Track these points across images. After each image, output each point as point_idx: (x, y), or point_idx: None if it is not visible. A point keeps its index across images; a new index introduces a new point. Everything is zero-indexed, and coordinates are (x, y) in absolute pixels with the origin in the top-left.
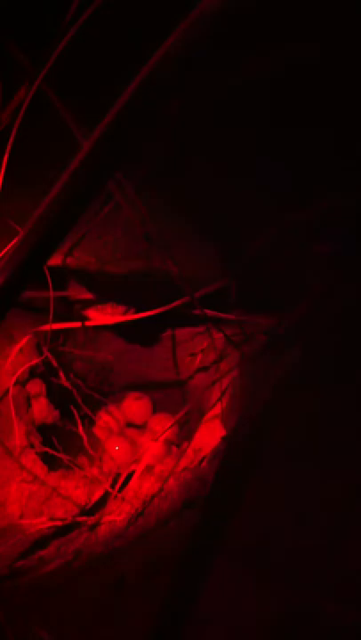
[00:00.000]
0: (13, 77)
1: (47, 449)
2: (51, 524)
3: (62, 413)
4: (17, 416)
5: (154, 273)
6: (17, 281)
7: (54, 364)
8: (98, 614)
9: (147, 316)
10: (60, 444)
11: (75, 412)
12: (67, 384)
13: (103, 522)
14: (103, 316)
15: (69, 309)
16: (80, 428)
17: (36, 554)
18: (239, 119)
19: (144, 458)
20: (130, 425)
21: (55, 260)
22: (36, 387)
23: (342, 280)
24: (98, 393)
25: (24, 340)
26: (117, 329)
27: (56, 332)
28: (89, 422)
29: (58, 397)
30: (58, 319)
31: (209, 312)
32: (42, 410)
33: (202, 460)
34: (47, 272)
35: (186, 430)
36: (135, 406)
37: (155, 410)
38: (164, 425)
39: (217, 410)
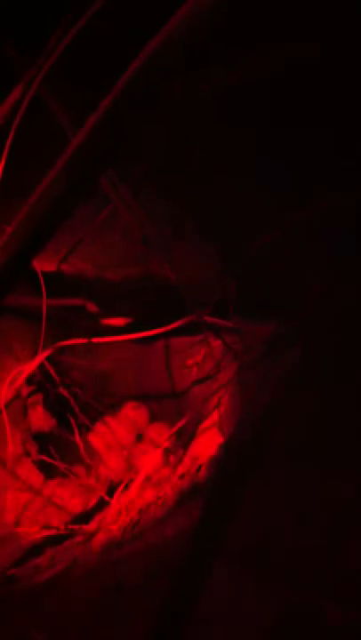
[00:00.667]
0: (5, 77)
1: (44, 457)
2: (46, 532)
3: (59, 422)
4: (13, 424)
5: (152, 278)
6: (7, 273)
7: (52, 372)
8: (98, 615)
9: (150, 335)
10: (57, 452)
11: (72, 420)
12: (64, 392)
13: (99, 530)
14: (108, 328)
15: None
16: (77, 437)
17: (32, 562)
18: (239, 119)
19: (141, 466)
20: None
21: (50, 267)
22: (33, 395)
23: (342, 280)
24: (95, 402)
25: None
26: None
27: (55, 341)
28: (86, 431)
29: (55, 406)
30: (63, 329)
31: (208, 319)
32: (39, 418)
33: (199, 468)
34: (42, 278)
35: (183, 439)
36: (132, 415)
37: (152, 419)
38: (161, 434)
39: (214, 418)
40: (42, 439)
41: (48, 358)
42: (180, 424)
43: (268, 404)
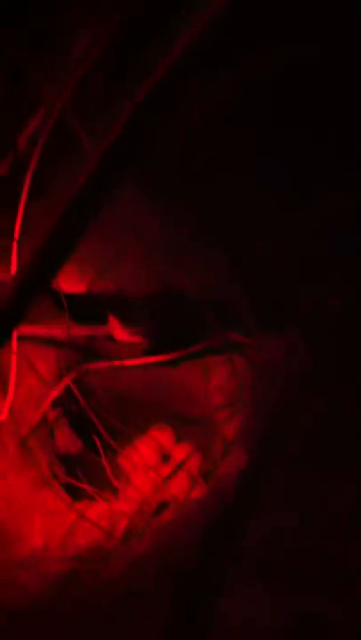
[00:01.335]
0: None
1: (71, 480)
2: (74, 555)
3: (85, 444)
4: (40, 447)
5: (174, 295)
6: (26, 291)
7: (77, 394)
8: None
9: (174, 356)
10: (84, 474)
11: (98, 442)
12: (90, 414)
13: (127, 552)
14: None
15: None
16: (103, 459)
17: (59, 584)
18: (239, 119)
19: (168, 488)
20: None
21: (73, 286)
22: (59, 417)
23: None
24: (121, 423)
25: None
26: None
27: (79, 363)
28: (112, 453)
29: (81, 428)
30: (87, 351)
31: (230, 337)
32: (65, 440)
33: (224, 488)
34: (65, 300)
35: (209, 459)
36: (158, 437)
37: (178, 440)
38: (187, 455)
39: (238, 436)
40: (68, 461)
41: (73, 380)
42: (205, 444)
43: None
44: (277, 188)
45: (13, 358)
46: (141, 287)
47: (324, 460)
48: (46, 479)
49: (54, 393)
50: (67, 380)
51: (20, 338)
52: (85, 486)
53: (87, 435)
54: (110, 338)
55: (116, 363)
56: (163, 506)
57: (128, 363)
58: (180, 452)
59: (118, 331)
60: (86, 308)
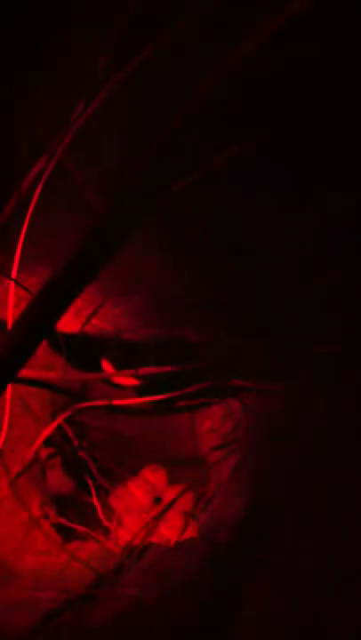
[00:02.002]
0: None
1: (62, 520)
2: (66, 595)
3: (78, 484)
4: (32, 486)
5: (172, 340)
6: (21, 350)
7: (70, 434)
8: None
9: (169, 397)
10: (75, 515)
11: (90, 482)
12: (82, 455)
13: (119, 595)
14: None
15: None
16: (95, 499)
17: (51, 626)
18: (240, 119)
19: (161, 529)
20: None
21: (71, 328)
22: (52, 457)
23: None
24: (114, 464)
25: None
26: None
27: (73, 402)
28: (104, 493)
29: (73, 468)
30: (81, 390)
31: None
32: (57, 480)
33: (219, 531)
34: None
35: (203, 501)
36: (151, 478)
37: (171, 482)
38: (180, 497)
39: (234, 479)
40: (60, 501)
41: (67, 419)
42: (199, 486)
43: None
44: (277, 188)
45: (7, 398)
46: (139, 329)
47: (325, 460)
48: (37, 519)
49: (47, 431)
50: (59, 419)
51: (14, 381)
52: (77, 527)
53: (80, 475)
54: (105, 380)
55: (110, 402)
56: (154, 547)
57: (122, 402)
58: (172, 494)
59: (113, 374)
60: (81, 349)
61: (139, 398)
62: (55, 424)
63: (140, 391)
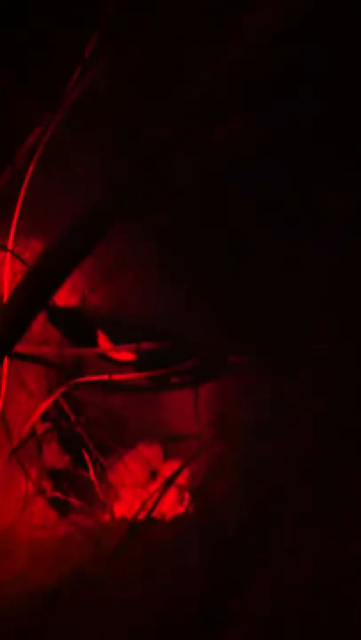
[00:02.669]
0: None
1: (58, 494)
2: (61, 570)
3: (74, 459)
4: (28, 461)
5: (169, 315)
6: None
7: (66, 409)
8: None
9: (164, 372)
10: (71, 489)
11: (86, 457)
12: (78, 429)
13: (116, 571)
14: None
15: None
16: (91, 474)
17: (46, 601)
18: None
19: (157, 505)
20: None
21: (69, 301)
22: (47, 431)
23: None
24: (109, 439)
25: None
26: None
27: (69, 377)
28: (101, 468)
29: (69, 443)
30: (77, 365)
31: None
32: (53, 455)
33: (214, 505)
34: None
35: (199, 475)
36: (146, 453)
37: (166, 456)
38: (175, 471)
39: (227, 454)
40: (56, 476)
41: (62, 394)
42: (194, 461)
43: None
44: (277, 188)
45: (4, 374)
46: (136, 304)
47: (325, 460)
48: (34, 493)
49: (44, 406)
50: (56, 394)
51: (10, 356)
52: (73, 501)
53: (76, 450)
54: (101, 356)
55: (106, 377)
56: (151, 522)
57: (118, 377)
58: (168, 469)
59: (110, 349)
60: (78, 324)
61: (135, 374)
62: (52, 399)
63: (136, 366)
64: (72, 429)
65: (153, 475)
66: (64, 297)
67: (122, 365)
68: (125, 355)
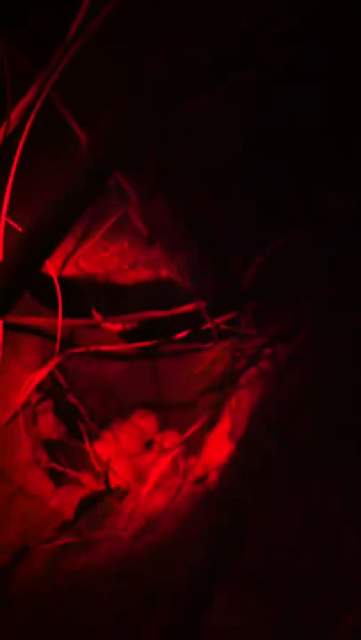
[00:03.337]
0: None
1: (54, 464)
2: (56, 540)
3: (69, 429)
4: (24, 431)
5: (162, 282)
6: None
7: (61, 380)
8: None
9: (159, 342)
10: (66, 459)
11: (81, 427)
12: (73, 400)
13: (109, 538)
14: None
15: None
16: (87, 444)
17: (42, 570)
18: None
19: (151, 474)
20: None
21: (59, 271)
22: (42, 402)
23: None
24: (104, 409)
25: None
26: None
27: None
28: (95, 438)
29: (65, 413)
30: (71, 336)
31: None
32: (48, 425)
33: (208, 475)
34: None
35: (193, 445)
36: (141, 423)
37: (161, 426)
38: (171, 441)
39: (225, 425)
40: (51, 446)
41: (57, 365)
42: (189, 431)
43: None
44: (277, 188)
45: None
46: (127, 272)
47: (325, 460)
48: (29, 463)
49: (38, 377)
50: (51, 365)
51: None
52: (68, 471)
53: (71, 420)
54: (94, 326)
55: (101, 348)
56: (142, 491)
57: (112, 348)
58: (163, 439)
59: (102, 319)
60: (69, 293)
61: (128, 344)
62: (47, 369)
63: (128, 336)
64: (66, 400)
65: (148, 445)
66: (55, 266)
67: (114, 335)
68: (117, 325)
